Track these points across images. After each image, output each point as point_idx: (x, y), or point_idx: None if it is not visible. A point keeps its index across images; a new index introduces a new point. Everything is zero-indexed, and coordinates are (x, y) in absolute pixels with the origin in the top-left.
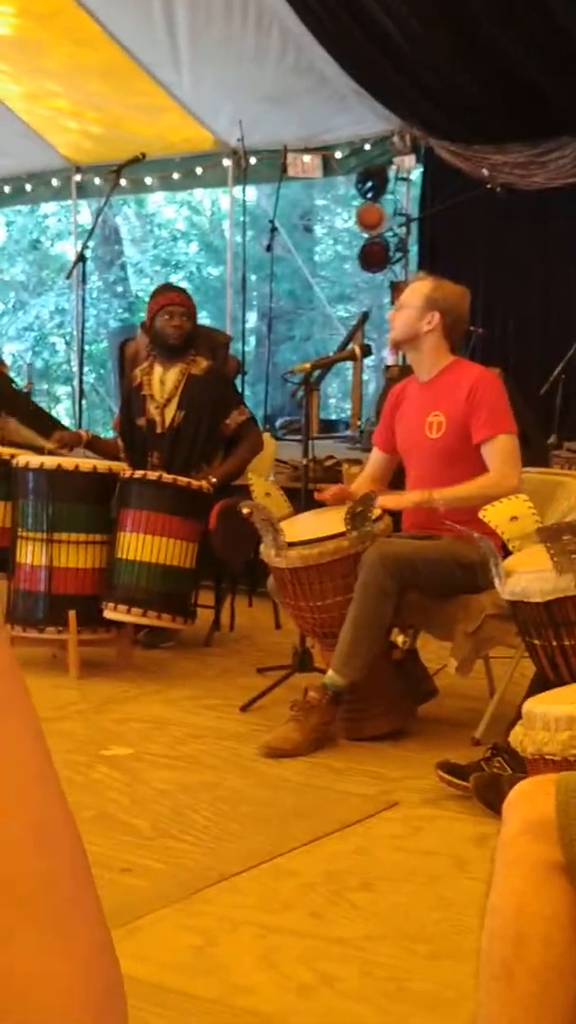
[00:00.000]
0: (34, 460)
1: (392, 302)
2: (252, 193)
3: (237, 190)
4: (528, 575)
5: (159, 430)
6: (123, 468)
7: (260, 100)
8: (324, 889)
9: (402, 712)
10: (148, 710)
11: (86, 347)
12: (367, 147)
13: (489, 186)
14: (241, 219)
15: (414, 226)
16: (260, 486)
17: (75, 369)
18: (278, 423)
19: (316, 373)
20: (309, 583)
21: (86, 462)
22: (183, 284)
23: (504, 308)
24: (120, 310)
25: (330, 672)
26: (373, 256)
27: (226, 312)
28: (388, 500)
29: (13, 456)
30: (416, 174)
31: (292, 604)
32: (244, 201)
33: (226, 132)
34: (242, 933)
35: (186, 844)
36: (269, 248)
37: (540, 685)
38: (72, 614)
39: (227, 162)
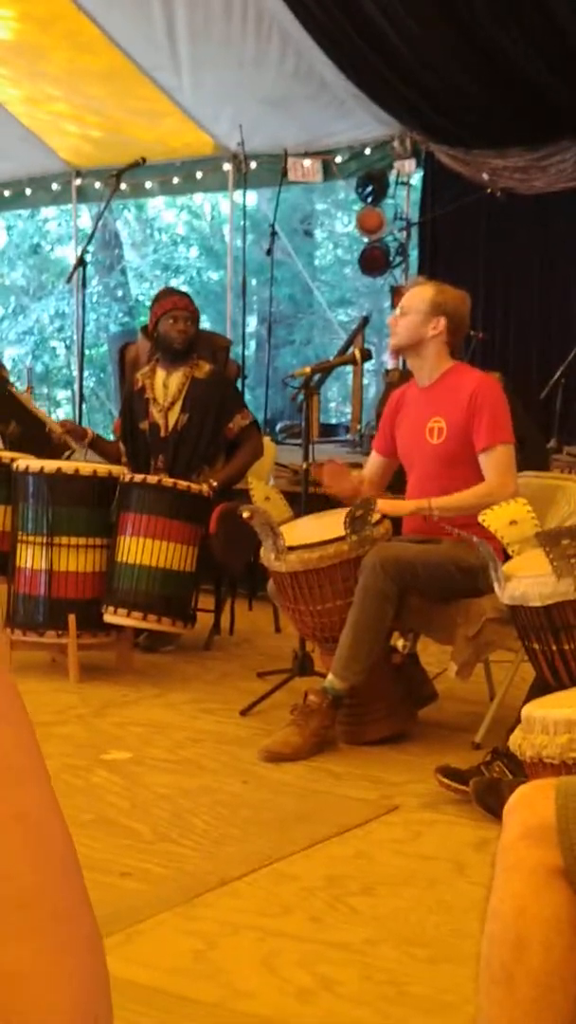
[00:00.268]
0: (34, 464)
1: (392, 306)
2: (252, 197)
3: (237, 194)
4: (527, 579)
5: (162, 433)
6: (123, 472)
7: (260, 104)
8: (324, 893)
9: (402, 716)
10: (148, 714)
11: (86, 351)
12: (367, 151)
13: (489, 190)
14: (241, 223)
15: (414, 230)
16: (260, 490)
17: (75, 373)
18: (278, 427)
19: (316, 377)
20: (309, 587)
21: (86, 466)
22: (183, 288)
23: (504, 312)
24: (120, 314)
25: (330, 676)
26: (373, 260)
27: (226, 316)
28: (386, 506)
29: (13, 460)
30: (416, 178)
31: (292, 608)
32: (244, 205)
33: (226, 136)
34: (242, 937)
35: (186, 848)
36: (269, 252)
37: (540, 689)
38: (72, 618)
39: (227, 166)
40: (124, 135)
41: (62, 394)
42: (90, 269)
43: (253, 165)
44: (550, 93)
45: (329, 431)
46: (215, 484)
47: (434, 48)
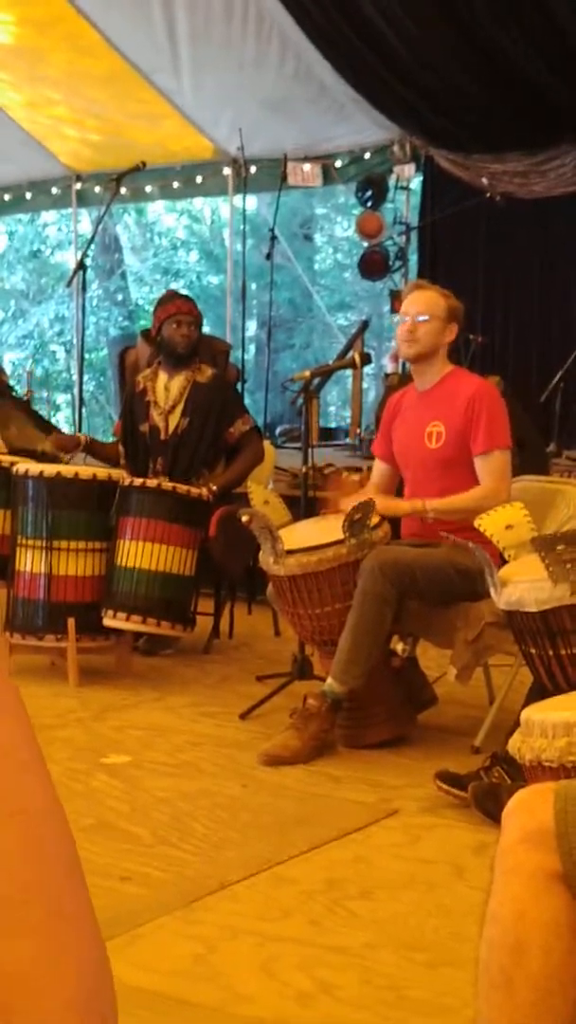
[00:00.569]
0: (34, 468)
1: (392, 311)
2: (252, 202)
3: (237, 199)
4: (523, 585)
5: (162, 436)
6: (123, 475)
7: (260, 108)
8: (323, 897)
9: (401, 720)
10: (147, 718)
11: (86, 355)
12: (367, 156)
13: (489, 195)
14: (241, 227)
15: (414, 235)
16: (259, 494)
17: (75, 377)
18: (278, 431)
19: (316, 381)
20: (308, 591)
21: (86, 470)
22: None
23: (504, 316)
24: (120, 318)
25: (329, 680)
26: (373, 265)
27: (226, 320)
28: (381, 505)
29: (13, 464)
30: (416, 183)
31: (291, 611)
32: (244, 210)
33: (226, 141)
34: (242, 941)
35: (186, 852)
36: (269, 256)
37: (539, 693)
38: (71, 622)
39: (227, 171)
40: (124, 139)
41: (62, 398)
42: (90, 273)
43: (253, 169)
44: (550, 94)
45: (328, 435)
46: (215, 488)
47: (433, 50)
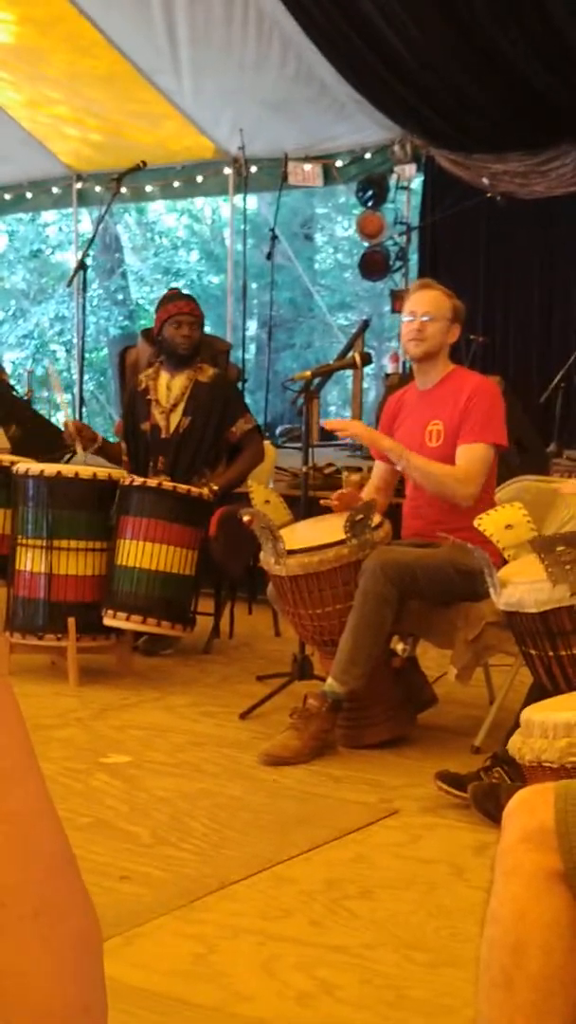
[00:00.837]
0: (34, 467)
1: (393, 310)
2: (253, 201)
3: (238, 198)
4: (523, 586)
5: (164, 435)
6: (123, 475)
7: (261, 108)
8: (323, 897)
9: (402, 720)
10: (147, 717)
11: (86, 355)
12: (368, 156)
13: (489, 195)
14: (242, 227)
15: (414, 235)
16: (260, 493)
17: (75, 377)
18: (278, 430)
19: (316, 381)
20: (309, 591)
21: (86, 469)
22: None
23: (504, 316)
24: (120, 318)
25: (330, 680)
26: (373, 264)
27: (226, 320)
28: (363, 432)
29: (13, 463)
30: (417, 183)
31: (292, 612)
32: (245, 209)
33: (227, 140)
34: (242, 941)
35: (185, 852)
36: (269, 256)
37: (539, 693)
38: (72, 621)
39: (228, 170)
40: (125, 139)
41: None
42: (90, 273)
43: (253, 169)
44: (550, 95)
45: (329, 435)
46: (216, 488)
47: (434, 50)
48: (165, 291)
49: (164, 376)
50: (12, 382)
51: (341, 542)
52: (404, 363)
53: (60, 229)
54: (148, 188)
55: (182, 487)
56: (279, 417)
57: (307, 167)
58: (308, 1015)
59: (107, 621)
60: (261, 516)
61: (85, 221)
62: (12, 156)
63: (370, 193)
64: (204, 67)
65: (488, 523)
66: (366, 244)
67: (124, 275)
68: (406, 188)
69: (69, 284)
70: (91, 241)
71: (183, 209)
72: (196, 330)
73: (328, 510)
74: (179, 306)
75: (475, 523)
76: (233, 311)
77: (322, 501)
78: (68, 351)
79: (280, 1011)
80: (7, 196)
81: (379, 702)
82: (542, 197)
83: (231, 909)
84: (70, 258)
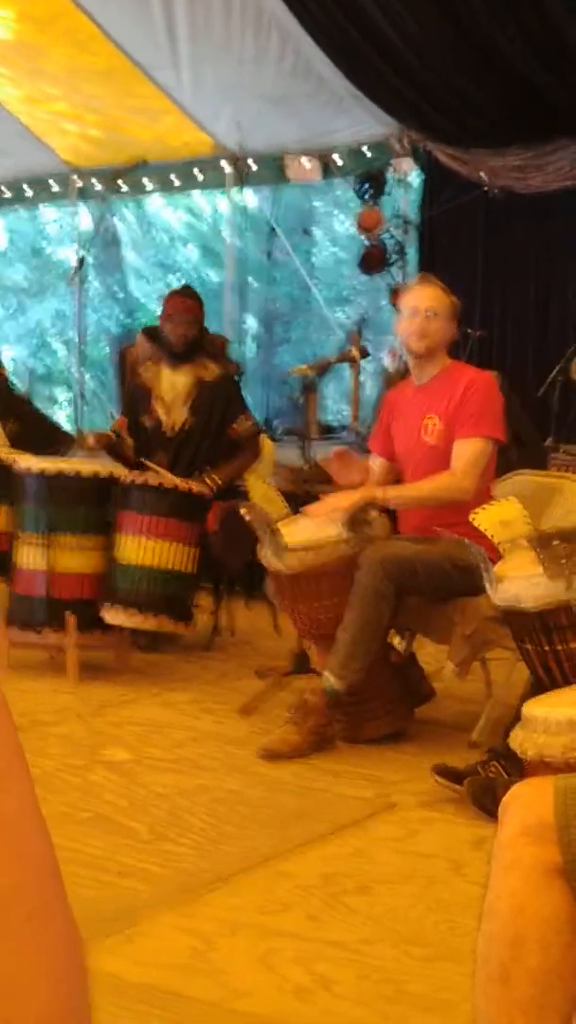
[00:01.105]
0: (34, 464)
1: (392, 305)
2: (251, 197)
3: (236, 194)
4: (519, 581)
5: (165, 431)
6: (123, 472)
7: (259, 103)
8: (321, 892)
9: (400, 715)
10: (146, 713)
11: (86, 351)
12: (366, 151)
13: (487, 189)
14: (240, 223)
15: (412, 229)
16: (258, 489)
17: (75, 373)
18: (276, 425)
19: (314, 376)
20: (307, 586)
21: (86, 466)
22: None
23: (502, 311)
24: (120, 314)
25: (328, 675)
26: (372, 259)
27: (225, 315)
28: (338, 501)
29: (13, 459)
30: (415, 177)
31: (290, 607)
32: (243, 205)
33: (225, 135)
34: (240, 936)
35: (184, 847)
36: (268, 252)
37: (536, 688)
38: (71, 617)
39: (226, 166)
40: (123, 134)
41: (62, 395)
42: (89, 269)
43: (252, 164)
44: (547, 91)
45: (327, 429)
46: (218, 480)
47: (431, 45)
48: (163, 286)
49: (167, 372)
50: (12, 378)
51: (339, 537)
52: (401, 358)
53: (60, 225)
54: (146, 183)
55: (181, 483)
56: (277, 412)
57: (305, 162)
58: (306, 1009)
59: (106, 617)
60: (259, 511)
61: (84, 217)
62: (10, 152)
63: (368, 188)
64: (203, 62)
65: (484, 518)
66: (364, 239)
67: (123, 271)
68: (404, 183)
69: (70, 281)
70: (91, 238)
71: (181, 204)
72: (191, 328)
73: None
74: (174, 304)
75: (471, 518)
76: (231, 306)
77: (321, 461)
78: (68, 348)
79: (278, 1006)
80: (5, 192)
81: (377, 697)
82: (540, 191)
83: (229, 904)
84: (69, 254)
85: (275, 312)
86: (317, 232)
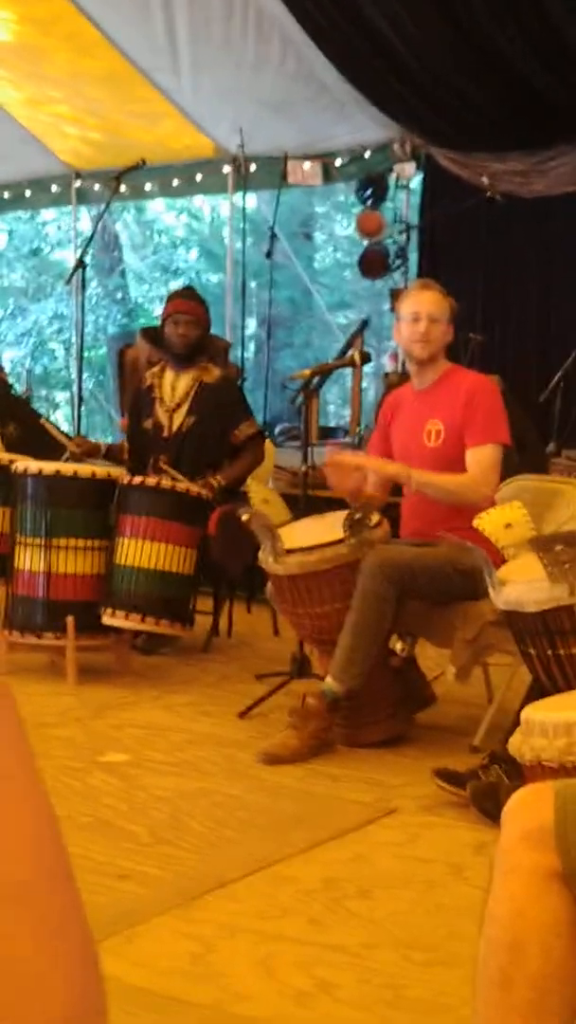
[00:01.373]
0: (33, 466)
1: (392, 310)
2: (252, 200)
3: (237, 197)
4: (522, 585)
5: (165, 433)
6: (122, 474)
7: (260, 107)
8: (322, 896)
9: (400, 719)
10: (146, 716)
11: (85, 353)
12: (367, 154)
13: (489, 194)
14: (241, 226)
15: (414, 234)
16: (258, 492)
17: (74, 375)
18: (277, 429)
19: (315, 380)
20: (307, 590)
21: (85, 468)
22: None
23: (503, 315)
24: (119, 316)
25: (328, 679)
26: (373, 263)
27: (226, 319)
28: (369, 462)
29: (12, 461)
30: (416, 182)
31: (290, 611)
32: (244, 208)
33: (226, 139)
34: (240, 940)
35: (184, 851)
36: (269, 255)
37: (538, 692)
38: (70, 620)
39: (227, 169)
40: (124, 137)
41: (61, 396)
42: (89, 271)
43: (253, 167)
44: (548, 93)
45: (328, 433)
46: (222, 481)
47: (432, 48)
48: (164, 289)
49: (169, 374)
50: (11, 380)
51: (340, 541)
52: (403, 362)
53: (59, 227)
54: (147, 186)
55: (181, 485)
56: (278, 416)
57: (306, 166)
58: (306, 1014)
59: (106, 620)
60: (260, 515)
61: (84, 219)
62: (11, 154)
63: (369, 192)
64: (204, 66)
65: (487, 522)
66: (365, 243)
67: (123, 273)
68: (405, 187)
69: (68, 282)
70: (90, 239)
71: (182, 207)
72: (193, 329)
73: (327, 509)
74: (176, 305)
75: (474, 522)
76: (232, 310)
77: (319, 471)
78: (67, 349)
79: (278, 1010)
80: (6, 194)
81: (378, 701)
82: (542, 196)
83: (229, 908)
84: (69, 256)
85: (276, 316)
86: (318, 236)
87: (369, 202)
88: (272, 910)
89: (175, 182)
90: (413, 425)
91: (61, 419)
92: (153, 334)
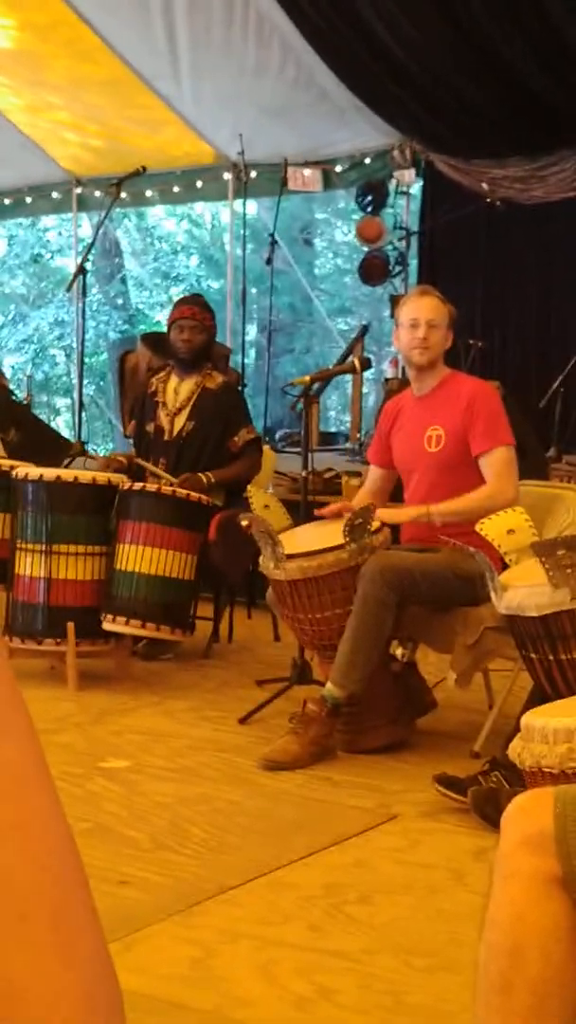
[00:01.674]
0: (33, 472)
1: (392, 316)
2: (252, 206)
3: (237, 203)
4: (524, 589)
5: (166, 437)
6: (123, 480)
7: (261, 113)
8: (322, 902)
9: (401, 725)
10: (146, 722)
11: (86, 359)
12: (367, 161)
13: (488, 200)
14: (241, 232)
15: (414, 240)
16: (259, 498)
17: (75, 381)
18: (278, 435)
19: (316, 386)
20: (308, 595)
21: (85, 474)
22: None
23: (503, 321)
24: (120, 322)
25: (329, 684)
26: (373, 269)
27: (226, 325)
28: (385, 514)
29: (13, 467)
30: (416, 188)
31: (291, 616)
32: (244, 214)
33: (226, 145)
34: (240, 945)
35: (184, 856)
36: (269, 261)
37: (539, 698)
38: (71, 626)
39: (227, 175)
40: (124, 144)
41: (61, 402)
42: (90, 278)
43: (253, 174)
44: (547, 96)
45: (328, 439)
46: (212, 478)
47: (432, 54)
48: (164, 295)
49: (173, 380)
50: (11, 387)
51: (340, 546)
52: (403, 368)
53: (60, 234)
54: (148, 193)
55: (181, 491)
56: (279, 422)
57: (307, 172)
58: (306, 1020)
59: (106, 626)
60: (260, 521)
61: (85, 226)
62: (12, 161)
63: (370, 198)
64: (204, 72)
65: (490, 527)
66: (366, 249)
67: (124, 280)
68: (406, 193)
69: (69, 289)
70: (91, 246)
71: (183, 214)
72: (195, 334)
73: (324, 506)
74: (181, 310)
75: (477, 527)
76: (233, 316)
77: (316, 512)
78: (68, 356)
79: (279, 1016)
80: (7, 201)
81: (378, 707)
82: (541, 202)
83: (230, 914)
84: (70, 263)
85: (276, 322)
86: (318, 242)
87: (369, 208)
88: (273, 916)
89: (175, 188)
90: (414, 431)
91: (62, 425)
92: (154, 340)
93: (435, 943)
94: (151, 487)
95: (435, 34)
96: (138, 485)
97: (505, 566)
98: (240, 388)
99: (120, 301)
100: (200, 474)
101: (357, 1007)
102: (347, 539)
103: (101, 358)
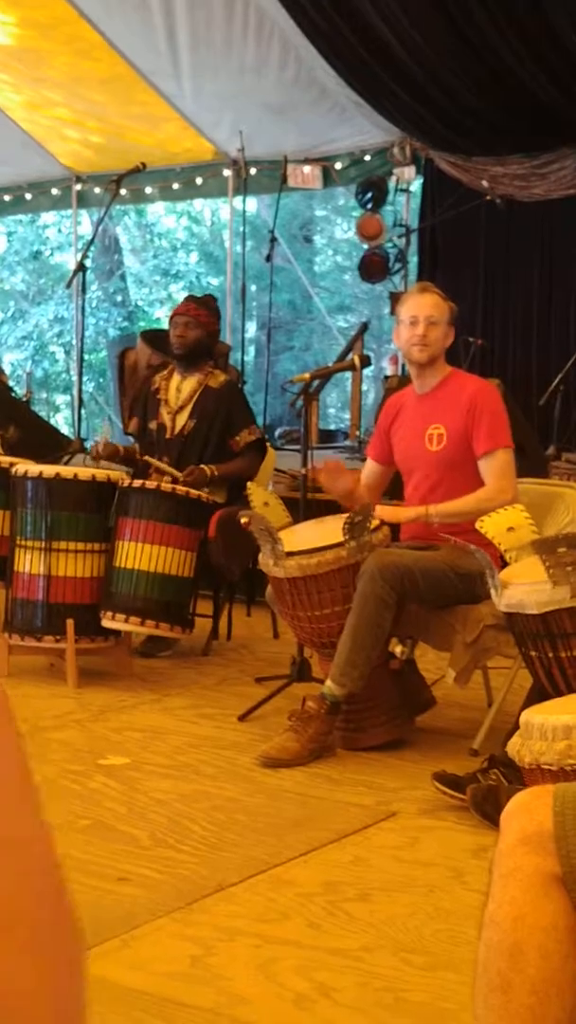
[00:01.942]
0: (33, 469)
1: (392, 313)
2: (252, 203)
3: (237, 200)
4: (524, 587)
5: (168, 435)
6: (122, 477)
7: (261, 111)
8: (321, 899)
9: (400, 722)
10: (146, 719)
11: (85, 356)
12: (367, 158)
13: (489, 197)
14: (241, 229)
15: (414, 237)
16: (258, 496)
17: (74, 378)
18: (277, 433)
19: (315, 383)
20: (307, 593)
21: (85, 471)
22: (182, 294)
23: (503, 319)
24: (120, 319)
25: (328, 682)
26: (373, 267)
27: (226, 322)
28: (384, 514)
29: (12, 464)
30: (416, 185)
31: (290, 614)
32: (244, 211)
33: (226, 142)
34: (239, 943)
35: (183, 854)
36: (269, 258)
37: (538, 696)
38: (70, 623)
39: (227, 172)
40: (125, 141)
41: (61, 399)
42: (90, 274)
43: (253, 171)
44: (546, 96)
45: (328, 437)
46: (216, 472)
47: (433, 52)
48: (164, 292)
49: (176, 378)
50: (11, 383)
51: (340, 544)
52: (403, 365)
53: (59, 230)
54: (148, 190)
55: (180, 488)
56: (278, 419)
57: (306, 169)
58: (305, 1018)
59: (106, 623)
60: (259, 518)
61: (85, 222)
62: (12, 158)
63: (369, 195)
64: (204, 70)
65: (490, 525)
66: (365, 246)
67: (123, 277)
68: (405, 190)
69: (68, 285)
70: (90, 243)
71: (182, 211)
72: (190, 330)
73: (327, 512)
74: (177, 308)
75: (477, 525)
76: (232, 313)
77: (310, 472)
78: (67, 352)
79: (277, 1014)
80: (7, 197)
81: (377, 704)
82: (541, 199)
83: (229, 911)
84: (69, 260)
85: (276, 319)
86: (318, 239)
87: (369, 205)
88: (271, 913)
89: (175, 185)
90: (415, 429)
91: (61, 422)
92: (153, 337)
93: (434, 941)
94: (151, 484)
95: (435, 33)
96: (138, 482)
97: (505, 564)
98: (240, 384)
99: (120, 298)
100: (204, 467)
101: (356, 1005)
102: (347, 537)
103: (100, 355)
